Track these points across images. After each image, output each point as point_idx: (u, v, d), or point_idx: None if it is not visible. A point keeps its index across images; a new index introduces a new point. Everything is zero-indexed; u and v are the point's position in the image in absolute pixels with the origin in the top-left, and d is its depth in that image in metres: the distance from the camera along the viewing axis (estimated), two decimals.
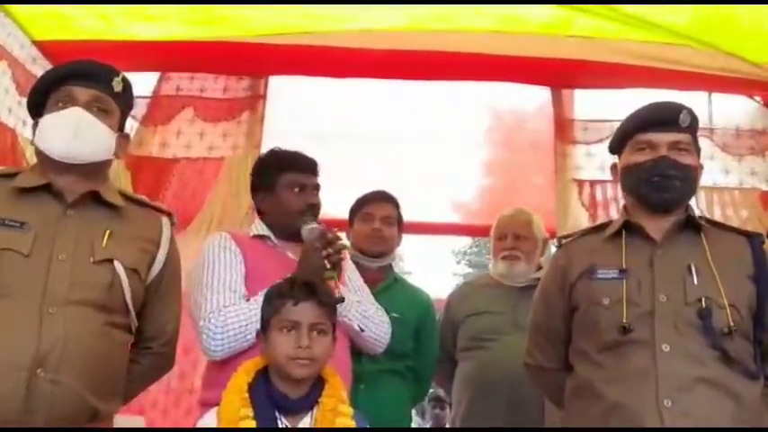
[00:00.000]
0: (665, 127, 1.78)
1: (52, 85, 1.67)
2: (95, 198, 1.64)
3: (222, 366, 1.89)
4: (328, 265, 1.88)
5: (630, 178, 1.81)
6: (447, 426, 3.48)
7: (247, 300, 1.92)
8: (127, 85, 1.73)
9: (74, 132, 1.60)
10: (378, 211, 2.50)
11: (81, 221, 1.60)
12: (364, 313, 2.04)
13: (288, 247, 2.07)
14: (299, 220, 2.02)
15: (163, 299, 1.74)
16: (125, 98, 1.74)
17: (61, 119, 1.62)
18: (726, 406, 1.59)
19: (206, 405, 1.82)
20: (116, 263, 1.59)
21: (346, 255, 2.02)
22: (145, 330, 1.71)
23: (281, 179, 2.07)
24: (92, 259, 1.57)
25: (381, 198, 2.54)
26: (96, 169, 1.67)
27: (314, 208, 2.07)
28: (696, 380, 1.60)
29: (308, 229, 1.98)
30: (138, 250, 1.67)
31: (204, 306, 1.88)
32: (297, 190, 2.06)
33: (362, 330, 2.02)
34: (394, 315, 2.27)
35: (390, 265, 2.57)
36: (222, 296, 1.89)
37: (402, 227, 2.58)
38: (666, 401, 1.58)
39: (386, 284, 2.46)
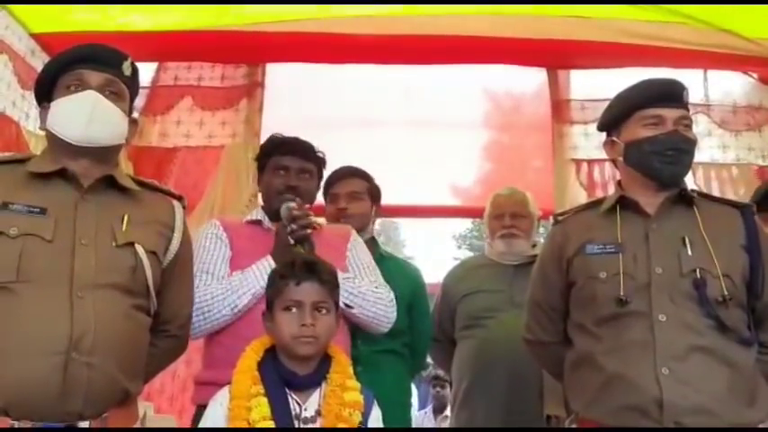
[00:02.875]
0: (671, 102, 1.80)
1: (61, 69, 1.62)
2: (109, 183, 1.62)
3: (210, 348, 1.97)
4: (291, 241, 1.91)
5: (640, 152, 1.80)
6: (449, 406, 3.54)
7: None
8: (135, 70, 1.70)
9: (90, 116, 1.56)
10: (342, 188, 2.48)
11: (98, 206, 1.58)
12: (354, 290, 1.99)
13: None
14: (278, 201, 2.05)
15: (178, 282, 1.73)
16: (133, 82, 1.72)
17: (76, 102, 1.58)
18: (721, 373, 1.63)
19: (199, 384, 1.95)
20: (137, 246, 1.58)
21: (315, 229, 2.01)
22: (161, 314, 1.69)
23: (269, 163, 2.13)
24: (114, 243, 1.56)
25: (345, 174, 2.51)
26: (109, 154, 1.64)
27: (293, 189, 2.07)
28: (692, 348, 1.64)
29: (284, 207, 2.01)
30: (155, 234, 1.65)
31: None
32: (281, 172, 2.10)
33: (350, 307, 1.99)
34: None
35: (374, 242, 2.51)
36: (197, 279, 1.91)
37: (379, 199, 2.55)
38: (664, 369, 1.61)
39: None
